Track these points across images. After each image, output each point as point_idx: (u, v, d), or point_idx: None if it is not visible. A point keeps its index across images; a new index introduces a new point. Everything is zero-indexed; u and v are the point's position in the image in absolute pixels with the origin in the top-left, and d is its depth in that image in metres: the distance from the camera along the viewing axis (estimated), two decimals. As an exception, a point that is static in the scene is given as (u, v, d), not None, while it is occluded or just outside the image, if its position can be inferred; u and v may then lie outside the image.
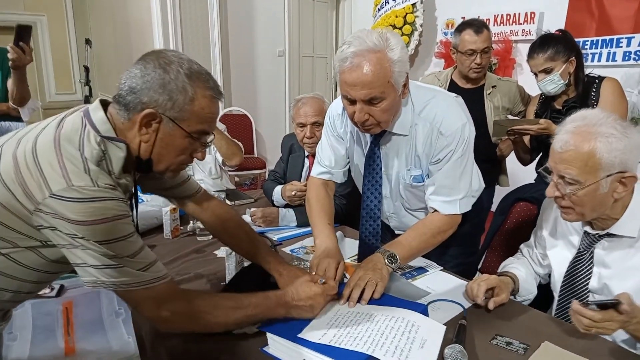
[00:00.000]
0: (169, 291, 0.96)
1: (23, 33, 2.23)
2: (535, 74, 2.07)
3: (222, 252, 1.60)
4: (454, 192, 1.41)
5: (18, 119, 2.51)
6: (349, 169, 1.66)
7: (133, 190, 1.07)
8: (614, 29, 3.19)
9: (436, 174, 1.41)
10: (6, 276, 0.95)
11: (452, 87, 2.43)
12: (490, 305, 1.23)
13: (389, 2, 4.34)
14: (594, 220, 1.21)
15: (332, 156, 1.60)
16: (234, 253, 1.37)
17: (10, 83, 2.45)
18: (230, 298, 1.05)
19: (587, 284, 1.24)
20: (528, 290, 1.38)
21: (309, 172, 2.18)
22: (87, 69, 2.70)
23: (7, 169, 0.87)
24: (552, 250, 1.36)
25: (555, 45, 2.01)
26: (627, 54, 3.12)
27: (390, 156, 1.48)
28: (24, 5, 6.06)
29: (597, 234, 1.22)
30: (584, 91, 2.07)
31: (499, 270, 1.45)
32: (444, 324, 1.14)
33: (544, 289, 1.41)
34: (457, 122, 1.36)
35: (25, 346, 1.42)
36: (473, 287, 1.26)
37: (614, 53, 3.17)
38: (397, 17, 4.25)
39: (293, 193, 1.99)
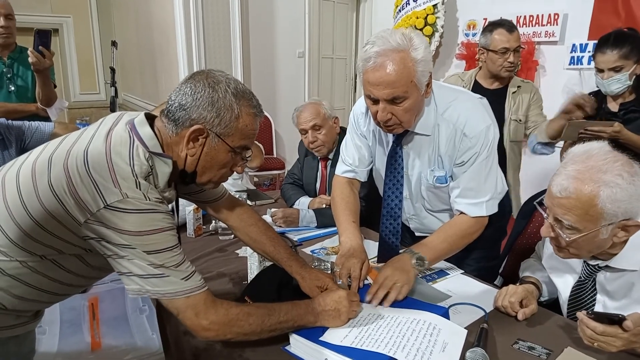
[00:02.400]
0: (207, 300, 0.99)
1: (42, 37, 2.29)
2: (601, 70, 2.00)
3: (244, 251, 1.62)
4: (480, 195, 1.40)
5: (46, 118, 2.58)
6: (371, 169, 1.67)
7: (175, 202, 1.12)
8: (641, 30, 3.12)
9: (461, 176, 1.40)
10: (48, 278, 0.99)
11: (476, 88, 2.42)
12: (520, 317, 1.21)
13: (409, 3, 4.32)
14: None
15: (355, 154, 1.60)
16: (255, 252, 1.38)
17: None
18: (263, 306, 1.07)
19: (592, 310, 1.20)
20: (551, 292, 1.36)
21: (323, 174, 2.21)
22: (113, 70, 2.75)
23: (58, 179, 0.90)
24: (554, 273, 1.31)
25: (631, 43, 1.93)
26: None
27: (412, 156, 1.47)
28: (51, 7, 6.22)
29: (597, 264, 1.17)
30: None
31: (520, 273, 1.43)
32: (465, 327, 1.14)
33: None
34: (482, 124, 1.35)
35: (54, 340, 1.47)
36: (505, 305, 1.24)
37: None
38: (417, 18, 4.22)
39: (323, 206, 2.00)
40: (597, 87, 2.07)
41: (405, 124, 1.33)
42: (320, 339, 1.07)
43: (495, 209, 1.44)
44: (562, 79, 3.46)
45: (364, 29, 5.39)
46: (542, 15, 3.64)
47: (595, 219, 1.04)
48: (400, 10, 4.40)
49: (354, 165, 1.61)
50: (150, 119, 1.03)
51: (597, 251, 1.11)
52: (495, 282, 1.71)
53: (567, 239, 1.08)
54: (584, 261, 1.20)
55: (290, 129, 4.88)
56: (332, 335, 1.08)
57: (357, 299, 1.19)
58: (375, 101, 1.28)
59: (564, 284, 1.27)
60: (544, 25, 3.65)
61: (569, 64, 3.42)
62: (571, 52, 3.44)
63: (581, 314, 1.03)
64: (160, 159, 0.98)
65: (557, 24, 3.58)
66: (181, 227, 1.84)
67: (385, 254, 1.54)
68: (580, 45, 3.31)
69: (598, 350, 1.04)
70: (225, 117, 0.98)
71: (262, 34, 4.58)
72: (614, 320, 1.00)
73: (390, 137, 1.47)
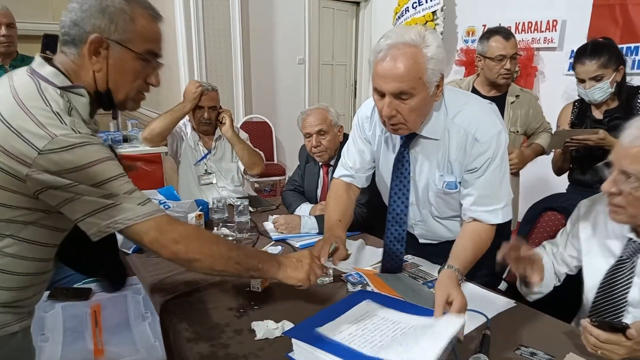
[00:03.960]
0: (170, 219, 1.01)
1: (50, 42, 2.31)
2: (582, 81, 2.03)
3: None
4: (495, 201, 1.38)
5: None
6: (373, 175, 1.65)
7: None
8: (639, 36, 3.14)
9: (475, 183, 1.38)
10: (27, 260, 0.98)
11: (476, 94, 2.43)
12: (536, 279, 1.22)
13: (409, 10, 4.35)
14: (639, 226, 1.18)
15: (357, 159, 1.59)
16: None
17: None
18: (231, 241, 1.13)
19: (626, 295, 1.20)
20: (547, 285, 1.36)
21: (324, 181, 2.21)
22: (114, 78, 2.77)
23: None
24: (587, 256, 1.31)
25: (607, 52, 1.97)
26: (653, 62, 3.07)
27: (420, 161, 1.45)
28: (52, 15, 6.24)
29: None
30: (626, 101, 2.04)
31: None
32: (467, 334, 1.14)
33: (567, 297, 1.40)
34: (493, 129, 1.34)
35: (57, 348, 1.46)
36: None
37: (639, 61, 3.13)
38: (417, 24, 4.26)
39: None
40: (580, 96, 2.11)
41: (410, 125, 1.31)
42: (318, 329, 1.10)
43: (510, 216, 1.42)
44: (561, 85, 3.49)
45: (364, 36, 5.42)
46: (541, 22, 3.67)
47: None
48: (399, 17, 4.44)
49: (354, 169, 1.60)
50: (48, 59, 1.00)
51: None
52: (499, 287, 1.71)
53: (629, 192, 1.10)
54: (629, 238, 1.21)
55: (291, 135, 4.92)
56: (329, 329, 1.11)
57: (321, 263, 1.27)
58: (382, 95, 1.27)
59: (595, 270, 1.27)
60: (542, 31, 3.68)
61: (568, 70, 3.43)
62: (570, 58, 3.45)
63: (584, 322, 1.04)
64: (73, 93, 0.96)
65: (555, 30, 3.61)
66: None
67: (390, 261, 1.54)
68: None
69: (601, 357, 1.04)
70: (120, 21, 0.96)
71: (262, 40, 4.61)
72: (618, 328, 1.00)
73: (398, 140, 1.46)
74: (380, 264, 1.58)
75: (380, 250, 1.61)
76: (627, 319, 1.20)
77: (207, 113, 2.44)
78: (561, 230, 1.47)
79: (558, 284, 1.40)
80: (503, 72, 2.29)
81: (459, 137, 1.36)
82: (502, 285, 1.70)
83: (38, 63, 0.98)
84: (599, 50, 1.98)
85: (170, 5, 4.20)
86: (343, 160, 1.63)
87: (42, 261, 1.02)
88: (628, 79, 2.07)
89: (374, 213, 1.84)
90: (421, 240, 1.64)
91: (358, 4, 5.36)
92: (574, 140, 2.02)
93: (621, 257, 1.23)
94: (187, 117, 2.49)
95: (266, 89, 4.75)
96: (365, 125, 1.55)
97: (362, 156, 1.58)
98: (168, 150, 2.55)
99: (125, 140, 2.76)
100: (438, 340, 0.99)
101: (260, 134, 4.60)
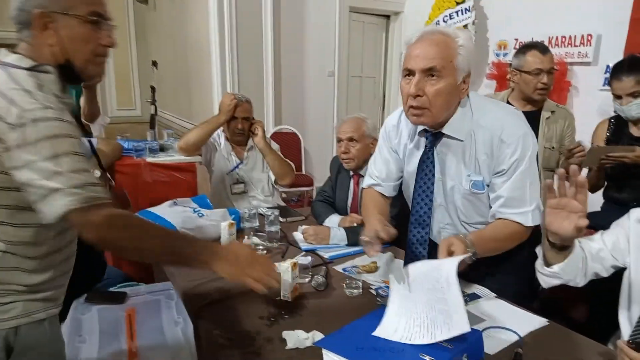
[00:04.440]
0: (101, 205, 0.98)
1: None
2: (619, 97, 2.01)
3: (278, 267, 1.65)
4: (524, 204, 1.38)
5: (89, 134, 2.69)
6: (400, 185, 1.66)
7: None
8: (679, 52, 3.06)
9: (504, 185, 1.38)
10: (33, 246, 1.03)
11: None
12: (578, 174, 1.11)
13: (440, 23, 4.36)
14: None
15: (383, 168, 1.62)
16: (290, 268, 1.41)
17: (82, 101, 2.64)
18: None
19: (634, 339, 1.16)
20: (569, 272, 1.27)
21: (354, 191, 2.23)
22: (153, 89, 2.86)
23: None
24: (635, 263, 1.26)
25: None
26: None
27: (446, 162, 1.45)
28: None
29: None
30: None
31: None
32: (498, 352, 1.14)
33: (602, 317, 1.36)
34: (519, 131, 1.35)
35: (94, 349, 1.52)
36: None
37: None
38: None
39: (355, 224, 2.02)
40: (616, 112, 2.07)
41: (434, 110, 1.33)
42: (373, 334, 1.14)
43: (539, 221, 1.41)
44: (595, 101, 3.41)
45: (393, 49, 5.44)
46: (575, 36, 3.62)
47: None
48: (430, 31, 4.44)
49: (380, 178, 1.62)
50: (12, 49, 1.05)
51: None
52: (532, 305, 1.68)
53: None
54: None
55: (319, 146, 4.97)
56: (384, 331, 1.14)
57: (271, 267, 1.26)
58: (411, 74, 1.32)
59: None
60: (576, 46, 3.62)
61: (603, 85, 3.36)
62: (605, 73, 3.39)
63: (621, 343, 1.02)
64: (39, 72, 1.00)
65: (590, 45, 3.54)
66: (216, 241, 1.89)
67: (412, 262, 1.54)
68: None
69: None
70: None
71: (293, 53, 4.68)
72: None
73: (423, 142, 1.48)
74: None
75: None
76: None
77: (240, 124, 2.50)
78: (598, 233, 1.43)
79: (583, 283, 1.34)
80: (540, 86, 2.26)
81: (485, 139, 1.37)
82: (536, 304, 1.68)
83: (3, 54, 1.04)
84: (636, 66, 1.95)
85: (205, 18, 4.33)
86: (370, 170, 1.66)
87: (44, 245, 1.06)
88: None
89: (404, 225, 1.83)
90: None
91: (388, 17, 5.40)
92: (609, 158, 1.98)
93: None
94: (220, 128, 2.56)
95: (295, 100, 4.81)
96: (392, 134, 1.58)
97: (387, 166, 1.61)
98: (202, 159, 2.62)
99: (162, 149, 2.85)
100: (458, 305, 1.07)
101: (289, 145, 4.65)
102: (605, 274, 1.34)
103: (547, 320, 1.33)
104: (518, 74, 2.32)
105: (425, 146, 1.46)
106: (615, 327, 1.33)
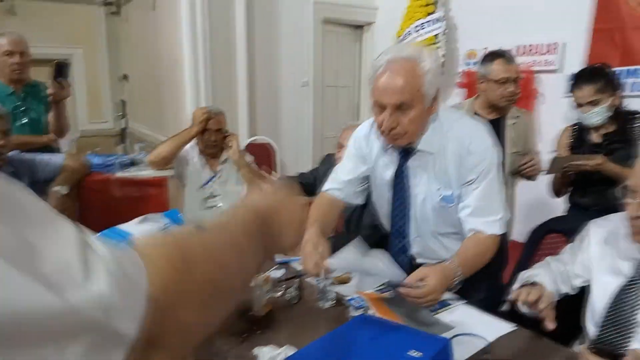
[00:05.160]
0: None
1: (61, 69, 2.39)
2: (580, 105, 2.08)
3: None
4: (492, 213, 1.44)
5: (57, 150, 2.65)
6: (369, 195, 1.69)
7: None
8: (637, 60, 3.19)
9: (471, 194, 1.43)
10: None
11: (476, 116, 2.45)
12: (551, 326, 1.21)
13: (411, 34, 4.43)
14: None
15: (348, 173, 1.63)
16: (262, 282, 1.40)
17: (50, 116, 2.59)
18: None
19: (636, 316, 1.21)
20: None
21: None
22: (123, 102, 2.83)
23: None
24: (597, 274, 1.33)
25: (604, 78, 2.04)
26: (651, 84, 3.12)
27: (418, 175, 1.49)
28: (62, 38, 6.39)
29: None
30: (623, 125, 2.07)
31: (522, 279, 1.41)
32: (467, 359, 1.16)
33: (567, 320, 1.40)
34: (486, 142, 1.42)
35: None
36: (531, 295, 1.24)
37: (637, 83, 3.17)
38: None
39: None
40: (578, 120, 2.16)
41: (410, 135, 1.38)
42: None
43: (505, 229, 1.48)
44: (561, 107, 3.51)
45: (367, 58, 5.51)
46: (541, 45, 3.73)
47: None
48: (401, 40, 4.51)
49: (344, 182, 1.63)
50: None
51: None
52: (501, 309, 1.71)
53: None
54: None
55: (295, 156, 4.97)
56: None
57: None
58: (383, 108, 1.33)
59: (604, 289, 1.29)
60: (543, 54, 3.74)
61: (569, 92, 3.46)
62: (570, 80, 3.50)
63: (583, 348, 1.05)
64: None
65: (555, 53, 3.66)
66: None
67: None
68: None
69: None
70: None
71: (266, 64, 4.69)
72: (615, 355, 1.01)
73: (396, 156, 1.51)
74: (383, 286, 1.60)
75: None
76: (636, 340, 1.21)
77: (213, 136, 2.49)
78: (567, 247, 1.49)
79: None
80: (506, 94, 2.31)
81: (454, 150, 1.41)
82: (505, 306, 1.71)
83: None
84: (595, 75, 2.04)
85: (177, 29, 4.31)
86: (334, 175, 1.67)
87: None
88: (627, 101, 2.11)
89: (381, 235, 1.84)
90: (418, 260, 1.66)
91: (361, 27, 5.46)
92: (572, 166, 2.06)
93: (633, 277, 1.25)
94: (194, 141, 2.54)
95: (270, 111, 4.82)
96: (362, 144, 1.60)
97: (354, 172, 1.63)
98: (174, 173, 2.60)
99: (133, 163, 2.81)
100: None
101: (264, 156, 4.64)
102: (572, 293, 1.40)
103: (515, 325, 1.36)
104: (485, 82, 2.37)
105: (399, 161, 1.50)
106: (580, 330, 1.38)
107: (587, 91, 2.04)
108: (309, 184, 2.32)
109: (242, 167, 2.54)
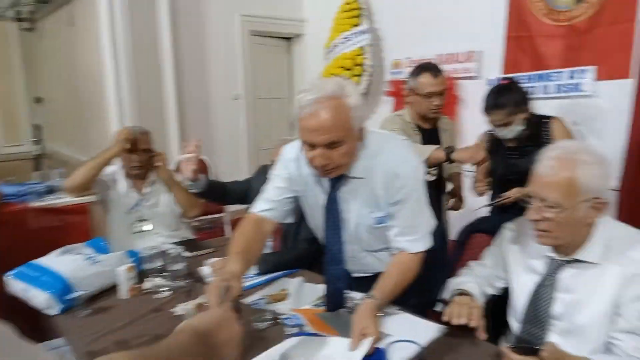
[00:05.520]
0: None
1: None
2: (495, 126, 2.21)
3: (179, 309, 1.58)
4: (418, 231, 1.49)
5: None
6: (302, 215, 1.69)
7: None
8: (546, 64, 3.44)
9: (398, 214, 1.47)
10: None
11: (416, 127, 2.49)
12: (483, 336, 1.27)
13: (338, 46, 4.51)
14: (559, 245, 1.28)
15: (277, 193, 1.60)
16: (194, 310, 1.35)
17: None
18: None
19: (550, 309, 1.29)
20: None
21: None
22: (38, 127, 2.64)
23: None
24: (514, 275, 1.42)
25: (511, 100, 2.15)
26: (558, 86, 3.37)
27: (349, 200, 1.51)
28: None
29: (562, 259, 1.29)
30: (535, 129, 2.21)
31: (454, 287, 1.48)
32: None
33: (494, 318, 1.47)
34: (412, 163, 1.46)
35: None
36: (462, 313, 1.29)
37: (547, 86, 3.42)
38: (346, 59, 4.42)
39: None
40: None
41: (343, 168, 1.39)
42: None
43: (431, 244, 1.52)
44: (481, 112, 3.71)
45: (297, 70, 5.56)
46: (460, 54, 3.93)
47: (574, 195, 1.19)
48: (329, 52, 4.59)
49: (273, 204, 1.60)
50: None
51: (572, 235, 1.24)
52: (435, 309, 1.76)
53: (551, 217, 1.21)
54: (550, 257, 1.32)
55: (231, 170, 4.88)
56: None
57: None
58: (313, 146, 1.33)
59: (522, 288, 1.37)
60: (462, 62, 3.94)
61: (487, 97, 3.67)
62: (488, 86, 3.71)
63: (505, 348, 1.10)
64: None
65: (474, 61, 3.87)
66: (112, 289, 1.75)
67: (333, 298, 1.56)
68: (497, 79, 3.57)
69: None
70: None
71: (195, 79, 4.60)
72: (534, 350, 1.07)
73: (326, 182, 1.51)
74: (320, 301, 1.59)
75: (320, 286, 1.64)
76: (554, 332, 1.29)
77: (139, 156, 2.37)
78: (487, 251, 1.57)
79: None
80: (433, 107, 2.38)
81: (382, 174, 1.44)
82: (440, 307, 1.76)
83: None
84: (503, 101, 2.16)
85: (96, 44, 4.12)
86: (264, 195, 1.63)
87: None
88: (537, 103, 2.26)
89: (317, 248, 1.83)
90: (354, 275, 1.68)
91: (290, 39, 5.50)
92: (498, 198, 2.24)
93: (546, 274, 1.33)
94: (119, 162, 2.41)
95: (202, 126, 4.72)
96: (291, 166, 1.58)
97: (284, 194, 1.60)
98: (97, 198, 2.44)
99: (51, 191, 2.62)
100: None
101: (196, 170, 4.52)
102: (497, 294, 1.49)
103: (446, 327, 1.40)
104: (412, 95, 2.43)
105: (329, 188, 1.51)
106: (507, 327, 1.45)
107: (497, 116, 2.18)
108: (242, 191, 2.29)
109: (172, 186, 2.44)
